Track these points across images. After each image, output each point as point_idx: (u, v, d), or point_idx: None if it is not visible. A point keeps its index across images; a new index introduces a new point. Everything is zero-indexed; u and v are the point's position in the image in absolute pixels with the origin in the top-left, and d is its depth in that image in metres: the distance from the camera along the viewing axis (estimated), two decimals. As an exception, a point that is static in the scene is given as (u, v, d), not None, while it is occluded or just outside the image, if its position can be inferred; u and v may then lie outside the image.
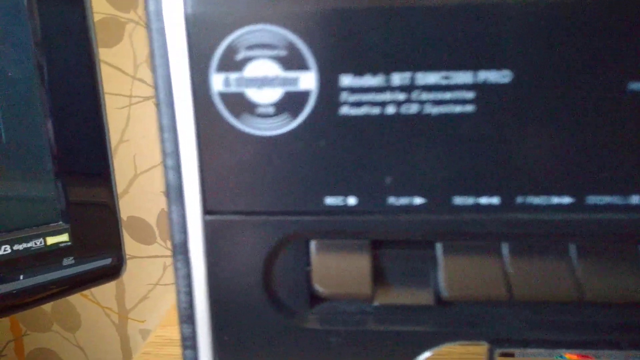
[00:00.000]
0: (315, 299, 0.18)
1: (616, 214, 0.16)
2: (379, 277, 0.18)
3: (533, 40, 0.15)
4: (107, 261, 0.54)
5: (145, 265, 0.68)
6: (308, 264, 0.17)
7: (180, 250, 0.18)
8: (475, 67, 0.16)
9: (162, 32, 0.16)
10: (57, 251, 0.50)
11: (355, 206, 0.17)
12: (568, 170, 0.16)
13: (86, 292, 0.73)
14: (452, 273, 0.17)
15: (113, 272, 0.55)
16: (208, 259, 0.17)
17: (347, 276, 0.17)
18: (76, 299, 0.71)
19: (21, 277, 0.49)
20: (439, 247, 0.17)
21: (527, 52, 0.15)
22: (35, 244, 0.50)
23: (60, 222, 0.50)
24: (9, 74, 0.46)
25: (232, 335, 0.18)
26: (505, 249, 0.17)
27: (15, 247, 0.48)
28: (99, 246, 0.53)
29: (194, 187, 0.17)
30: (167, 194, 0.18)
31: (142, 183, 0.65)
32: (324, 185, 0.17)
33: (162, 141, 0.17)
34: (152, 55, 0.17)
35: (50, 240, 0.51)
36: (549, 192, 0.16)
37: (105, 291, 0.71)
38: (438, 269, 0.17)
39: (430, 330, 0.17)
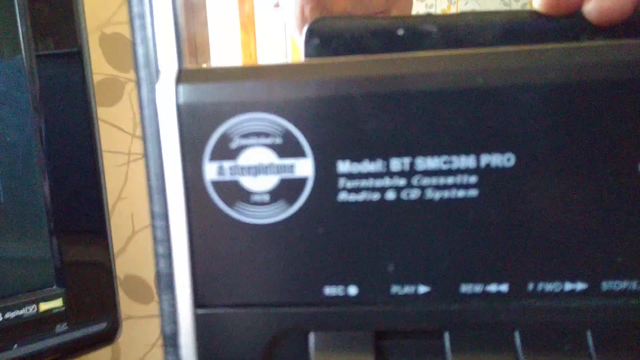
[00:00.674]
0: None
1: (634, 299, 0.15)
2: (384, 371, 0.16)
3: (536, 123, 0.15)
4: (102, 326, 0.52)
5: (143, 325, 0.66)
6: (307, 359, 0.16)
7: (170, 342, 0.17)
8: (477, 151, 0.15)
9: (154, 120, 0.16)
10: (50, 318, 0.49)
11: (356, 296, 0.16)
12: (580, 255, 0.15)
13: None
14: (462, 366, 0.16)
15: (108, 337, 0.53)
16: (199, 355, 0.16)
17: (349, 371, 0.16)
18: (70, 363, 0.68)
19: (15, 346, 0.47)
20: (447, 337, 0.16)
21: (531, 135, 0.15)
22: (28, 310, 0.49)
23: (55, 287, 0.48)
24: (8, 138, 0.46)
25: None
26: (517, 338, 0.16)
27: (7, 315, 0.47)
28: (94, 310, 0.51)
29: (185, 278, 0.16)
30: (158, 282, 0.17)
31: (139, 241, 0.64)
32: (322, 274, 0.16)
33: (154, 228, 0.17)
34: (144, 141, 0.16)
35: (44, 306, 0.49)
36: (561, 278, 0.15)
37: (99, 353, 0.69)
38: (446, 361, 0.16)
39: None
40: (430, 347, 0.16)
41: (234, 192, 0.15)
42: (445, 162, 0.15)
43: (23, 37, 0.46)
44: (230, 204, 0.16)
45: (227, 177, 0.15)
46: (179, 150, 0.15)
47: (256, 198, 0.15)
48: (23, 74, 0.46)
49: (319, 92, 0.15)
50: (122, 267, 0.64)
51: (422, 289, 0.16)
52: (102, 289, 0.53)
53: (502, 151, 0.15)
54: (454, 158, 0.15)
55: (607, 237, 0.15)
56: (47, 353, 0.49)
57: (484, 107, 0.15)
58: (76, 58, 0.51)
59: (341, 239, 0.16)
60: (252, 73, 0.15)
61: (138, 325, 0.67)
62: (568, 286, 0.15)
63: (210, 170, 0.15)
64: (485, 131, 0.15)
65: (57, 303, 0.49)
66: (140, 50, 0.16)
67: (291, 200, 0.15)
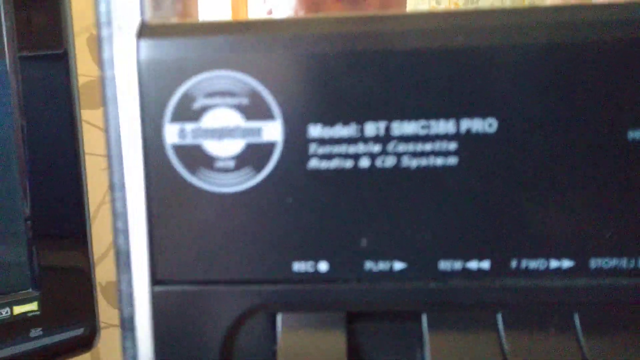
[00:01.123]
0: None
1: (624, 278, 0.14)
2: (356, 355, 0.15)
3: (520, 86, 0.14)
4: (79, 331, 0.50)
5: (124, 335, 0.64)
6: (274, 341, 0.15)
7: (128, 326, 0.15)
8: (457, 115, 0.14)
9: (113, 80, 0.15)
10: (25, 321, 0.47)
11: (327, 273, 0.15)
12: (567, 229, 0.14)
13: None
14: (440, 349, 0.15)
15: (86, 343, 0.51)
16: (157, 337, 0.15)
17: (319, 356, 0.15)
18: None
19: (-16, 350, 0.45)
20: (424, 319, 0.15)
21: (514, 99, 0.14)
22: (1, 313, 0.47)
23: (30, 289, 0.47)
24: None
25: None
26: (500, 320, 0.15)
27: (-22, 318, 0.45)
28: (71, 315, 0.49)
29: (142, 253, 0.15)
30: (116, 261, 0.16)
31: (123, 247, 0.62)
32: (291, 249, 0.15)
33: (113, 201, 0.15)
34: (103, 105, 0.15)
35: (18, 309, 0.47)
36: (546, 255, 0.14)
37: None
38: (424, 344, 0.15)
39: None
40: (407, 329, 0.15)
41: (196, 157, 0.14)
42: (423, 127, 0.14)
43: (7, 39, 0.45)
44: (192, 170, 0.14)
45: (189, 140, 0.14)
46: (138, 110, 0.14)
47: (220, 164, 0.14)
48: (4, 71, 0.45)
49: (290, 49, 0.14)
50: (104, 273, 0.62)
51: (398, 265, 0.15)
52: (80, 294, 0.51)
53: (483, 116, 0.14)
54: (433, 123, 0.14)
55: (594, 210, 0.14)
56: (22, 358, 0.47)
57: (464, 68, 0.14)
58: (62, 60, 0.50)
59: (311, 210, 0.14)
60: (218, 28, 0.14)
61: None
62: (553, 264, 0.14)
63: (171, 133, 0.14)
64: (466, 94, 0.14)
65: (33, 306, 0.48)
66: (102, 7, 0.15)
67: (258, 167, 0.14)
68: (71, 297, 0.49)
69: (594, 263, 0.14)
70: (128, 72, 0.14)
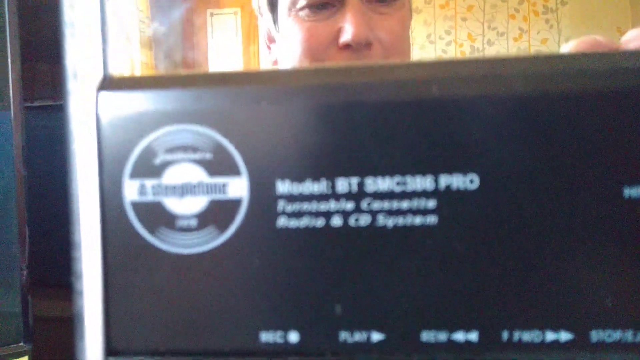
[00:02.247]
0: None
1: (629, 353, 0.13)
2: None
3: (502, 139, 0.13)
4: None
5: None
6: None
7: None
8: (435, 170, 0.13)
9: (73, 134, 0.14)
10: (15, 380, 0.45)
11: (298, 344, 0.13)
12: (563, 297, 0.13)
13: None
14: None
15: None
16: None
17: None
18: None
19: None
20: None
21: (498, 153, 0.13)
22: (-10, 372, 0.45)
23: (22, 343, 0.45)
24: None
25: None
26: None
27: (-36, 379, 0.44)
28: (64, 368, 0.47)
29: (97, 319, 0.13)
30: (75, 327, 0.14)
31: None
32: (258, 317, 0.13)
33: (73, 262, 0.14)
34: (68, 161, 0.14)
35: (8, 365, 0.46)
36: (541, 327, 0.13)
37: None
38: None
39: None
40: None
41: (157, 215, 0.13)
42: (398, 184, 0.13)
43: (13, 90, 0.46)
44: (152, 229, 0.13)
45: (150, 197, 0.13)
46: (96, 165, 0.13)
47: (182, 223, 0.13)
48: (10, 126, 0.46)
49: (255, 102, 0.13)
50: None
51: (376, 336, 0.13)
52: (72, 346, 0.49)
53: (464, 171, 0.13)
54: (409, 179, 0.13)
55: (593, 275, 0.13)
56: None
57: (441, 120, 0.13)
58: (62, 111, 0.51)
59: (280, 273, 0.13)
60: (180, 81, 0.13)
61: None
62: (550, 336, 0.13)
63: (131, 190, 0.13)
64: (445, 148, 0.13)
65: (24, 362, 0.46)
66: (68, 62, 0.14)
67: (223, 226, 0.13)
68: (63, 350, 0.47)
69: (595, 336, 0.13)
70: (87, 126, 0.13)
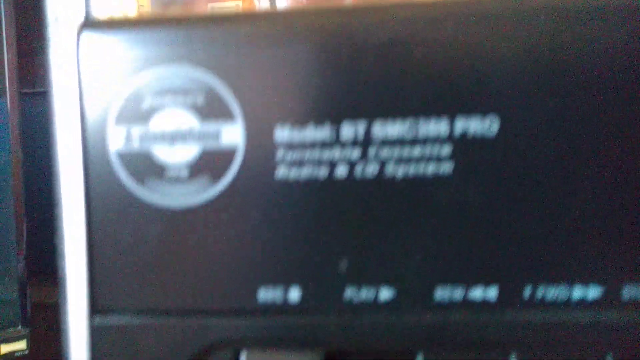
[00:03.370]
0: None
1: None
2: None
3: (526, 78, 0.12)
4: (71, 373, 0.47)
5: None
6: None
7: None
8: (451, 113, 0.12)
9: (52, 81, 0.13)
10: (12, 361, 0.45)
11: (299, 302, 0.12)
12: (590, 250, 0.12)
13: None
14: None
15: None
16: None
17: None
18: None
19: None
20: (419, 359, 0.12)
21: (519, 93, 0.12)
22: (-12, 353, 0.45)
23: (20, 327, 0.45)
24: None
25: None
26: None
27: (-37, 359, 0.43)
28: (60, 353, 0.47)
29: (81, 277, 0.12)
30: (59, 290, 0.13)
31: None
32: (256, 273, 0.12)
33: (57, 219, 0.13)
34: (50, 117, 0.13)
35: (5, 348, 0.45)
36: (567, 282, 0.12)
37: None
38: (418, 393, 0.12)
39: None
40: None
41: (144, 165, 0.12)
42: (410, 128, 0.12)
43: (9, 78, 0.46)
44: (140, 181, 0.12)
45: (137, 146, 0.12)
46: (78, 111, 0.12)
47: (172, 173, 0.12)
48: (6, 112, 0.45)
49: (251, 41, 0.12)
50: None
51: (385, 293, 0.12)
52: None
53: (483, 113, 0.12)
54: (422, 123, 0.12)
55: (625, 223, 0.12)
56: (8, 404, 0.45)
57: (457, 57, 0.12)
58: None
59: (280, 227, 0.12)
60: (170, 20, 0.12)
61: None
62: (577, 293, 0.12)
63: (116, 138, 0.12)
64: (461, 88, 0.12)
65: (21, 345, 0.46)
66: (49, 5, 0.13)
67: (216, 177, 0.12)
68: (60, 336, 0.46)
69: (628, 292, 0.12)
70: (68, 67, 0.12)
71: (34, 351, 0.45)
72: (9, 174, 0.44)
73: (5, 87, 0.43)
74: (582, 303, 0.12)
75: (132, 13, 0.15)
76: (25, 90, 0.45)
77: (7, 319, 0.44)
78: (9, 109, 0.43)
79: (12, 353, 0.45)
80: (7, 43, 0.42)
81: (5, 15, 0.42)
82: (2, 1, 0.42)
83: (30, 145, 0.43)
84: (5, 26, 0.43)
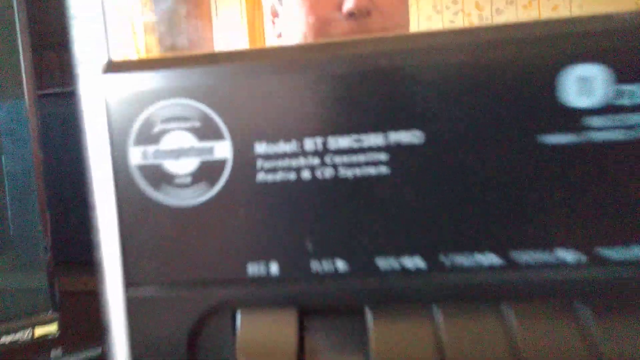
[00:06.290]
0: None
1: (546, 270, 0.15)
2: (307, 347, 0.17)
3: (441, 100, 0.15)
4: (97, 351, 0.52)
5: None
6: (234, 335, 0.17)
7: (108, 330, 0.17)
8: (385, 129, 0.16)
9: (83, 112, 0.17)
10: (45, 343, 0.49)
11: (278, 274, 0.16)
12: (490, 227, 0.16)
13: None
14: (382, 341, 0.16)
15: (102, 363, 0.53)
16: (131, 334, 0.17)
17: (272, 348, 0.16)
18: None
19: (7, 371, 0.48)
20: (368, 312, 0.16)
21: (437, 112, 0.15)
22: (23, 335, 0.49)
23: (50, 312, 0.49)
24: (12, 169, 0.48)
25: None
26: (437, 312, 0.16)
27: (3, 340, 0.48)
28: (89, 336, 0.51)
29: (116, 261, 0.17)
30: (98, 271, 0.18)
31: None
32: (245, 253, 0.16)
33: (94, 219, 0.17)
34: (82, 135, 0.17)
35: (39, 331, 0.50)
36: (473, 250, 0.16)
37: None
38: (368, 336, 0.16)
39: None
40: (353, 323, 0.17)
41: (157, 175, 0.16)
42: (355, 141, 0.16)
43: (26, 80, 0.49)
44: (154, 187, 0.16)
45: (151, 160, 0.16)
46: (106, 136, 0.16)
47: (179, 181, 0.16)
48: (26, 114, 0.48)
49: (234, 76, 0.16)
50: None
51: (340, 264, 0.16)
52: (97, 317, 0.53)
53: (409, 129, 0.16)
54: (363, 136, 0.16)
55: (513, 208, 0.15)
56: (41, 379, 0.49)
57: (390, 85, 0.16)
58: (73, 97, 0.53)
59: (261, 218, 0.16)
60: (172, 62, 0.16)
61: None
62: (481, 258, 0.16)
63: (135, 155, 0.16)
64: (393, 110, 0.16)
65: (52, 328, 0.50)
66: (76, 47, 0.17)
67: (212, 182, 0.16)
68: (89, 320, 0.51)
69: (518, 257, 0.15)
70: (96, 102, 0.16)
71: (63, 334, 0.49)
72: (32, 174, 0.47)
73: (24, 91, 0.46)
74: (487, 266, 0.16)
75: (142, 55, 0.19)
76: (41, 92, 0.48)
77: (38, 305, 0.48)
78: (28, 110, 0.46)
79: (45, 336, 0.49)
80: (22, 48, 0.45)
81: (19, 19, 0.45)
82: (15, 4, 0.45)
83: (49, 144, 0.47)
84: (20, 29, 0.46)
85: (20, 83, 0.46)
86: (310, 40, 0.48)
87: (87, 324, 0.51)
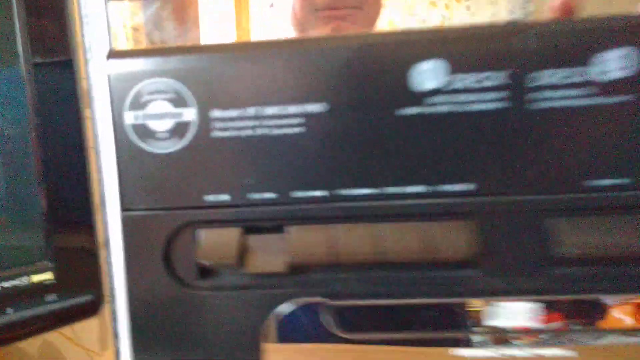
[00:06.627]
0: (204, 272, 0.24)
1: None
2: (247, 254, 0.24)
3: (340, 83, 0.23)
4: (89, 297, 0.59)
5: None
6: (196, 249, 0.24)
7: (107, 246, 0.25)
8: (301, 101, 0.23)
9: (91, 87, 0.24)
10: (41, 288, 0.56)
11: (227, 201, 0.24)
12: (368, 168, 0.23)
13: (72, 335, 0.77)
14: (297, 247, 0.24)
15: (93, 308, 0.60)
16: (126, 248, 0.24)
17: (221, 253, 0.24)
18: (62, 343, 0.75)
19: (8, 310, 0.54)
20: (288, 229, 0.24)
21: (336, 89, 0.23)
22: (22, 281, 0.56)
23: (46, 261, 0.55)
24: (7, 132, 0.54)
25: (145, 313, 0.24)
26: (339, 231, 0.24)
27: (3, 284, 0.54)
28: (81, 284, 0.58)
29: (115, 192, 0.24)
30: (100, 201, 0.25)
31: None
32: (204, 186, 0.24)
33: (98, 162, 0.25)
34: (90, 108, 0.24)
35: (36, 278, 0.56)
36: (357, 185, 0.23)
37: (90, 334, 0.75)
38: (288, 245, 0.24)
39: (281, 291, 0.24)
40: (279, 237, 0.24)
41: (144, 131, 0.24)
42: (280, 109, 0.23)
43: (22, 48, 0.54)
44: (142, 139, 0.24)
45: (140, 121, 0.23)
46: (109, 104, 0.23)
47: (159, 136, 0.24)
48: (21, 81, 0.54)
49: (201, 63, 0.23)
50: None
51: (268, 195, 0.24)
52: (88, 268, 0.60)
53: (318, 101, 0.23)
54: (287, 106, 0.23)
55: (380, 153, 0.23)
56: (38, 319, 0.56)
57: (303, 68, 0.23)
58: (69, 66, 0.59)
59: (215, 162, 0.24)
60: (156, 51, 0.23)
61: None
62: (360, 191, 0.23)
63: (129, 117, 0.24)
64: (306, 88, 0.23)
65: (48, 275, 0.56)
66: (86, 39, 0.24)
67: (181, 136, 0.24)
68: (81, 270, 0.58)
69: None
70: (103, 82, 0.23)
71: (59, 281, 0.55)
72: (28, 138, 0.53)
73: (20, 59, 0.51)
74: (366, 196, 0.23)
75: (135, 45, 0.26)
76: (37, 61, 0.53)
77: (35, 257, 0.54)
78: (24, 78, 0.51)
79: (41, 282, 0.55)
80: (17, 16, 0.50)
81: None
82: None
83: (44, 109, 0.52)
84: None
85: (16, 51, 0.51)
86: (298, 9, 0.55)
87: (79, 274, 0.58)
